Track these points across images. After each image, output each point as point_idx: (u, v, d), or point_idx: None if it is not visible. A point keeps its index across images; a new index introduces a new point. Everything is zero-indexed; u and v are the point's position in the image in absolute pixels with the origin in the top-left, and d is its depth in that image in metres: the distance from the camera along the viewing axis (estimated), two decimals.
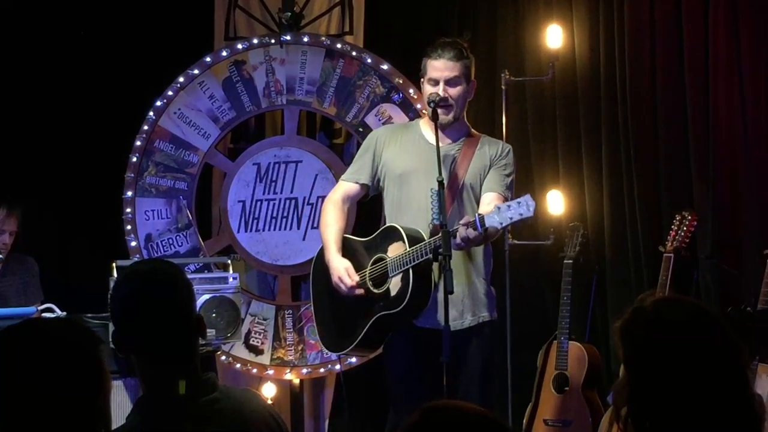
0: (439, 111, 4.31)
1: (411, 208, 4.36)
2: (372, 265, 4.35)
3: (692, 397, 2.18)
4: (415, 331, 4.31)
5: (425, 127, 4.48)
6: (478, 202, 4.39)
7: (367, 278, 4.34)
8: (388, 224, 4.38)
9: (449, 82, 4.33)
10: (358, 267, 4.38)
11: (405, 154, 4.43)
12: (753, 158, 5.45)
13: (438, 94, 4.31)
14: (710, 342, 2.22)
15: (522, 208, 3.91)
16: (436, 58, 4.36)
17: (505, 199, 4.32)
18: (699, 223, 5.25)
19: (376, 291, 4.31)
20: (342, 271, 4.32)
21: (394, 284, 4.26)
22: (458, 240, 4.02)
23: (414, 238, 4.20)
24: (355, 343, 4.43)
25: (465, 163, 4.36)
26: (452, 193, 4.32)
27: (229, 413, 2.56)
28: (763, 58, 5.43)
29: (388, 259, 4.27)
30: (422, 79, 4.46)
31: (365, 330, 4.36)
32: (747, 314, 4.86)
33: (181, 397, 2.51)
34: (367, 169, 4.50)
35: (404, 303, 4.19)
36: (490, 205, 4.27)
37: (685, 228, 5.17)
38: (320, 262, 4.56)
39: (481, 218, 3.97)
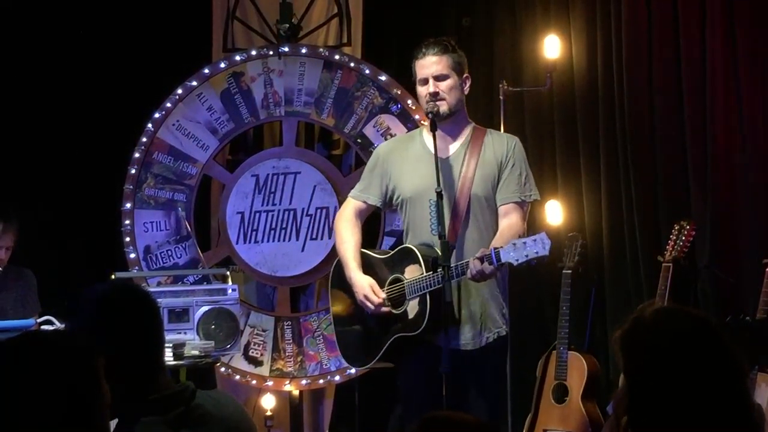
0: (429, 105, 4.31)
1: (425, 228, 4.33)
2: (389, 285, 4.34)
3: (691, 407, 2.18)
4: (432, 350, 4.24)
5: (428, 136, 4.40)
6: (490, 210, 4.35)
7: (386, 298, 4.34)
8: (404, 245, 4.37)
9: (438, 78, 4.33)
10: (377, 284, 4.37)
11: (413, 172, 4.39)
12: (750, 167, 5.45)
13: (434, 104, 4.30)
14: (709, 351, 2.22)
15: (538, 246, 3.89)
16: (422, 57, 4.37)
17: (523, 203, 4.33)
18: (697, 233, 5.25)
19: (394, 311, 4.31)
20: (367, 289, 4.31)
21: (412, 307, 4.25)
22: (474, 272, 4.01)
23: (431, 261, 4.18)
24: (374, 360, 4.44)
25: (471, 171, 4.31)
26: (462, 204, 4.28)
27: (214, 417, 2.60)
28: (760, 67, 5.44)
29: (405, 282, 4.27)
30: (416, 87, 4.46)
31: (384, 348, 4.36)
32: (746, 323, 4.87)
33: (165, 407, 2.53)
34: (376, 189, 4.49)
35: (422, 327, 4.19)
36: (508, 218, 4.28)
37: (683, 237, 5.17)
38: (338, 278, 4.55)
39: (497, 253, 3.96)
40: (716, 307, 5.40)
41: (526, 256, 3.91)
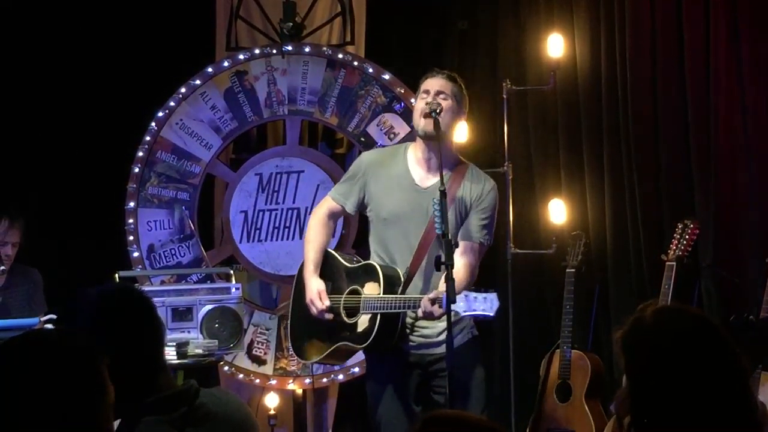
0: (437, 104, 4.36)
1: (394, 251, 4.45)
2: (348, 294, 4.47)
3: (694, 406, 2.18)
4: (400, 358, 4.42)
5: (413, 160, 4.49)
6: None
7: (342, 305, 4.46)
8: (369, 261, 4.49)
9: (440, 94, 4.41)
10: (337, 290, 4.51)
11: (391, 195, 4.47)
12: (754, 166, 5.45)
13: (432, 105, 4.34)
14: (710, 351, 2.22)
15: (486, 304, 3.96)
16: (433, 76, 4.48)
17: (481, 245, 4.43)
18: (701, 232, 5.25)
19: (347, 320, 4.44)
20: (314, 293, 4.46)
21: (363, 321, 4.38)
22: (425, 310, 4.13)
23: (390, 282, 4.33)
24: (319, 359, 4.64)
25: (448, 204, 4.35)
26: (429, 238, 4.36)
27: (217, 413, 2.60)
28: (763, 67, 5.43)
29: (362, 296, 4.39)
30: (415, 101, 4.54)
31: (328, 352, 4.53)
32: (749, 322, 4.87)
33: (169, 406, 2.53)
34: (354, 197, 4.56)
35: (367, 343, 4.34)
36: (465, 257, 4.35)
37: (687, 236, 5.16)
38: (301, 275, 4.65)
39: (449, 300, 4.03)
40: (719, 306, 5.40)
41: (474, 310, 3.98)
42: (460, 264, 4.31)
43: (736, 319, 4.94)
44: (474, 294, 3.99)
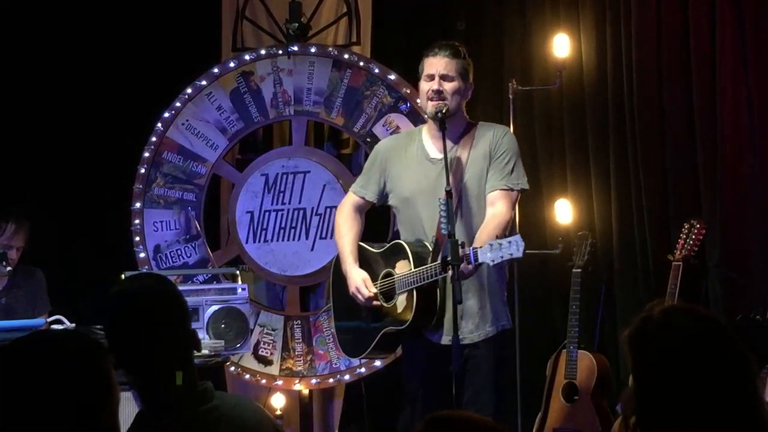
0: (435, 104, 4.37)
1: (420, 229, 4.44)
2: (382, 279, 4.47)
3: (700, 406, 2.17)
4: (431, 346, 4.40)
5: (426, 136, 4.53)
6: (480, 204, 4.41)
7: (378, 291, 4.45)
8: (396, 241, 4.49)
9: (445, 78, 4.40)
10: (371, 277, 4.49)
11: (410, 173, 4.49)
12: (760, 165, 5.44)
13: (443, 103, 4.34)
14: (717, 350, 2.21)
15: (512, 248, 3.99)
16: (434, 55, 4.45)
17: (510, 190, 4.40)
18: (707, 232, 5.24)
19: (386, 305, 4.44)
20: (360, 282, 4.44)
21: (401, 301, 4.38)
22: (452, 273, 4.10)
23: (419, 257, 4.32)
24: (367, 351, 4.60)
25: (464, 166, 4.39)
26: (457, 199, 4.35)
27: (230, 419, 2.59)
28: None
29: (396, 277, 4.39)
30: (420, 82, 4.52)
31: (375, 341, 4.50)
32: (756, 322, 4.86)
33: (183, 405, 2.53)
34: (374, 186, 4.60)
35: (408, 322, 4.33)
36: (494, 207, 4.34)
37: (693, 236, 5.16)
38: (337, 271, 4.65)
39: (475, 253, 4.05)
40: (726, 306, 5.39)
41: (501, 257, 4.01)
42: (489, 214, 4.34)
43: (743, 318, 4.94)
44: (498, 241, 4.01)
